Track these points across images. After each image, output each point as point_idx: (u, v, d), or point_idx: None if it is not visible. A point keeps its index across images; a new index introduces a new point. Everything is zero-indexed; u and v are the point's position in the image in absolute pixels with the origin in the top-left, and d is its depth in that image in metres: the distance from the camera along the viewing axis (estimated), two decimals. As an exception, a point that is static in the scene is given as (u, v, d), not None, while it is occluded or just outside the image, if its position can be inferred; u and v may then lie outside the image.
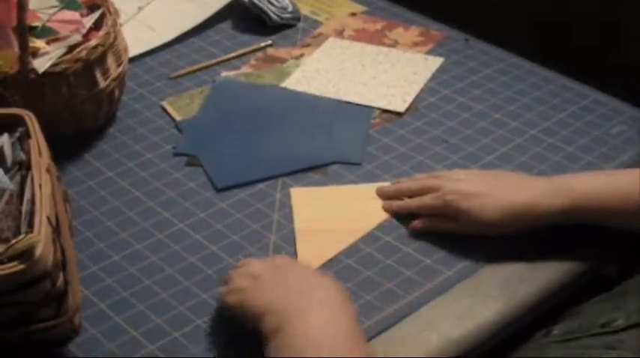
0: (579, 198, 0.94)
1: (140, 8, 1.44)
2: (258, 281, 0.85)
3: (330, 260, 0.96)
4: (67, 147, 1.11)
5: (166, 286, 0.93)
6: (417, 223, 0.99)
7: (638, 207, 0.92)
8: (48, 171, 0.86)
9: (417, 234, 0.99)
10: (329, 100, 1.22)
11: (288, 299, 0.82)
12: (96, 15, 1.14)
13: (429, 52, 1.34)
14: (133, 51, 1.26)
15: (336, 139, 1.14)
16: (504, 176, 1.01)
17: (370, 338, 0.87)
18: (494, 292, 0.93)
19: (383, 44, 1.35)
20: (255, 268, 0.87)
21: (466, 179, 0.99)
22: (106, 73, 1.11)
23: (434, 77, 1.28)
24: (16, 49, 1.03)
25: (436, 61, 1.31)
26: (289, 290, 0.83)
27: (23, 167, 0.88)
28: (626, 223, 0.95)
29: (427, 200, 0.99)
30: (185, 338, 0.87)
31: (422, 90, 1.24)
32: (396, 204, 1.02)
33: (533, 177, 1.02)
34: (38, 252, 0.74)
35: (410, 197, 1.02)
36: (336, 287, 0.84)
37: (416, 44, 1.36)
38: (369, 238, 0.99)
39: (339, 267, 0.95)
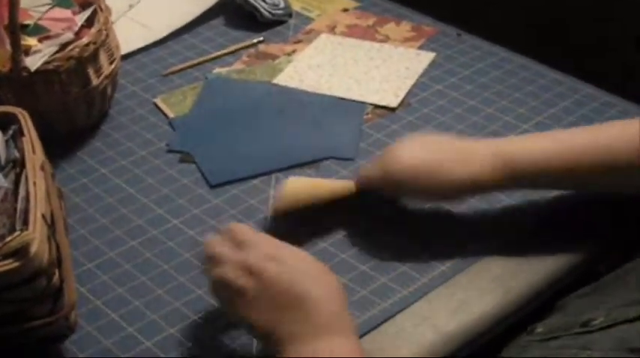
0: (519, 168, 0.93)
1: (131, 5, 1.44)
2: (246, 294, 0.78)
3: (324, 254, 0.96)
4: (60, 144, 1.12)
5: (162, 282, 0.93)
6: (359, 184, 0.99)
7: (577, 169, 0.93)
8: (42, 168, 0.86)
9: (411, 229, 0.99)
10: (321, 96, 1.22)
11: (283, 323, 0.77)
12: (87, 12, 1.14)
13: (421, 47, 1.34)
14: (125, 48, 1.26)
15: (329, 135, 1.14)
16: (446, 149, 0.97)
17: (365, 333, 0.87)
18: (489, 286, 0.93)
19: (375, 40, 1.36)
20: (248, 261, 0.80)
21: (409, 152, 0.96)
22: (98, 70, 1.11)
23: (426, 72, 1.28)
24: (8, 47, 1.03)
25: (428, 56, 1.31)
26: (282, 311, 0.77)
27: (17, 165, 0.87)
28: (576, 186, 0.97)
29: (374, 172, 0.98)
30: (181, 335, 0.87)
31: (414, 86, 1.24)
32: None
33: (472, 148, 0.96)
34: (33, 249, 0.75)
35: None
36: (331, 294, 0.80)
37: (408, 39, 1.36)
38: (364, 230, 0.99)
39: (335, 261, 0.95)
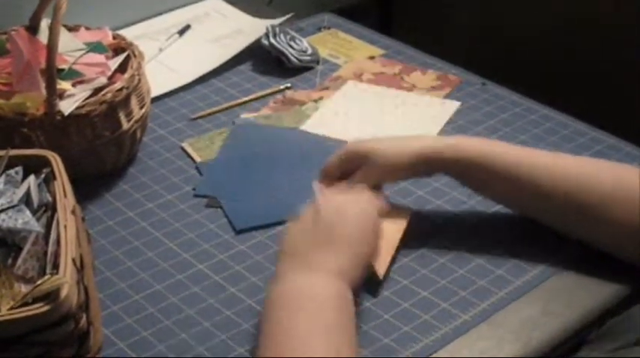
0: (464, 148, 0.99)
1: (161, 49, 1.47)
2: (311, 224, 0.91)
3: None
4: (88, 186, 1.13)
5: (186, 327, 0.94)
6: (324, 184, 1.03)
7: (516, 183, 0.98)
8: (73, 212, 0.87)
9: (433, 278, 1.00)
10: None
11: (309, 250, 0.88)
12: (121, 58, 1.17)
13: (447, 96, 1.35)
14: (154, 92, 1.28)
15: (354, 182, 1.15)
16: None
17: (387, 382, 0.88)
18: (509, 336, 0.93)
19: (401, 88, 1.37)
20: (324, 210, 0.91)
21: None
22: (129, 114, 1.13)
23: (451, 121, 1.29)
24: (43, 91, 1.05)
25: (453, 105, 1.33)
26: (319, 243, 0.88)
27: (49, 208, 0.89)
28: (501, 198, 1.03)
29: (334, 157, 1.05)
30: (204, 380, 0.88)
31: (439, 134, 1.26)
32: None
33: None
34: (64, 293, 0.76)
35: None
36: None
37: (433, 88, 1.37)
38: (386, 282, 1.00)
39: (357, 309, 0.96)
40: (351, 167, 1.03)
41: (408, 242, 1.04)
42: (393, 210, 1.03)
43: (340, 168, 1.04)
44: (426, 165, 1.02)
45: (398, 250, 1.02)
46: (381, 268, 0.97)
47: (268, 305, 0.84)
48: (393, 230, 1.02)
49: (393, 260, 1.00)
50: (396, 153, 1.01)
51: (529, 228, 1.05)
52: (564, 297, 0.98)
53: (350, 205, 0.93)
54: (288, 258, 0.89)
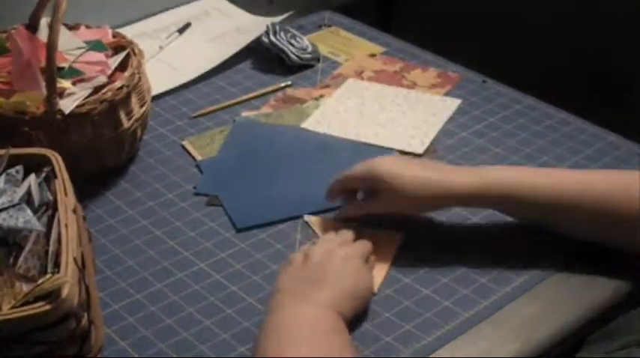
0: (495, 179, 0.98)
1: (161, 47, 1.47)
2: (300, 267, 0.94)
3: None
4: (89, 185, 1.12)
5: (187, 325, 0.94)
6: (341, 211, 1.06)
7: (558, 202, 0.96)
8: (74, 211, 0.87)
9: (435, 277, 1.00)
10: (348, 141, 1.23)
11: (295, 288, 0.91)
12: (121, 56, 1.16)
13: (447, 94, 1.35)
14: (154, 90, 1.28)
15: (355, 180, 1.15)
16: (426, 161, 1.08)
17: (388, 381, 0.88)
18: (511, 335, 0.93)
19: (401, 85, 1.37)
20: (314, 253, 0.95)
21: (390, 157, 1.06)
22: (129, 113, 1.13)
23: (452, 119, 1.29)
24: (43, 90, 1.05)
25: (454, 103, 1.33)
26: (304, 281, 0.91)
27: (50, 207, 0.89)
28: (534, 221, 1.00)
29: (355, 170, 1.03)
30: (205, 378, 0.88)
31: (440, 132, 1.26)
32: (340, 212, 1.07)
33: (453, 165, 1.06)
34: (65, 292, 0.76)
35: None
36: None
37: (434, 85, 1.37)
38: (387, 280, 1.00)
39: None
40: (370, 186, 1.03)
41: (408, 241, 1.04)
42: (385, 230, 1.05)
43: (358, 185, 1.04)
44: (443, 202, 1.02)
45: (390, 267, 1.02)
46: (374, 286, 0.99)
47: (262, 335, 0.85)
48: (385, 249, 1.03)
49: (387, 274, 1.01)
50: (419, 187, 0.99)
51: (530, 228, 1.05)
52: (565, 296, 0.98)
53: (337, 248, 0.97)
54: (281, 294, 0.91)
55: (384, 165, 1.01)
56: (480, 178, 0.98)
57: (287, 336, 0.83)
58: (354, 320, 0.93)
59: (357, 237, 1.03)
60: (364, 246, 1.00)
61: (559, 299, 0.97)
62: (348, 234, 1.02)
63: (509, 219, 1.05)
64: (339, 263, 0.94)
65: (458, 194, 0.98)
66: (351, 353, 0.83)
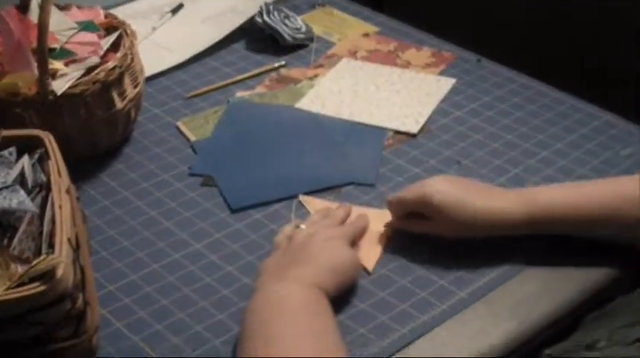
0: (542, 208, 0.97)
1: (154, 28, 1.46)
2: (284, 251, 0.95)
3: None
4: (83, 167, 1.12)
5: (183, 306, 0.94)
6: (393, 222, 1.03)
7: (602, 217, 0.96)
8: (68, 191, 0.87)
9: (431, 256, 1.00)
10: (343, 121, 1.23)
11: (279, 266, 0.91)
12: (113, 37, 1.16)
13: (442, 73, 1.35)
14: (148, 71, 1.27)
15: (350, 160, 1.15)
16: (476, 185, 1.03)
17: (385, 359, 0.88)
18: (505, 313, 0.93)
19: (396, 65, 1.37)
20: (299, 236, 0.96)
21: (443, 180, 1.01)
22: (122, 94, 1.12)
23: (446, 98, 1.29)
24: (35, 71, 1.05)
25: (448, 82, 1.32)
26: (289, 261, 0.91)
27: (43, 188, 0.89)
28: (594, 233, 0.98)
29: (407, 194, 1.01)
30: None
31: (434, 112, 1.25)
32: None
33: (501, 188, 1.04)
34: (60, 273, 0.76)
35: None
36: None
37: (428, 65, 1.37)
38: (384, 259, 1.00)
39: (354, 288, 0.96)
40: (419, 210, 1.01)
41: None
42: (381, 212, 1.05)
43: (411, 209, 1.01)
44: (494, 231, 0.99)
45: (385, 246, 1.02)
46: (370, 264, 0.99)
47: (247, 315, 0.85)
48: (381, 228, 1.03)
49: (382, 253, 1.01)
50: (469, 220, 0.97)
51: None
52: (561, 275, 0.98)
53: (321, 230, 0.97)
54: (265, 275, 0.91)
55: (438, 194, 0.98)
56: (529, 207, 0.97)
57: (267, 316, 0.83)
58: (350, 299, 0.93)
59: (351, 217, 1.03)
60: (351, 227, 1.00)
61: (554, 278, 0.97)
62: (337, 217, 1.02)
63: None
64: (320, 243, 0.94)
65: (509, 226, 0.98)
66: (334, 331, 0.83)
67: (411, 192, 1.01)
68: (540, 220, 0.97)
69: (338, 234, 0.97)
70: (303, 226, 1.00)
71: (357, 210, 1.05)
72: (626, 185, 0.98)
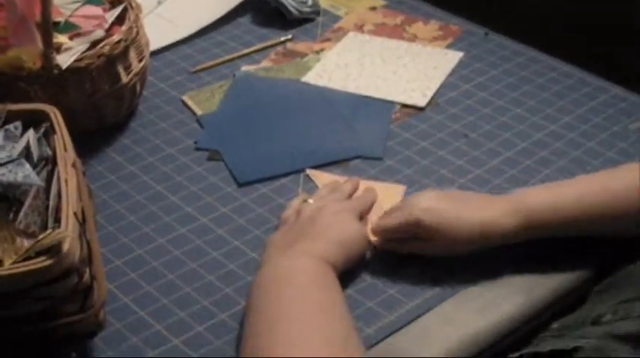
0: (533, 214, 0.92)
1: (159, 2, 1.45)
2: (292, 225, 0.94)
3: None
4: (89, 141, 1.12)
5: (190, 280, 0.94)
6: (379, 243, 0.96)
7: (595, 216, 0.93)
8: (73, 166, 0.86)
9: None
10: (349, 95, 1.22)
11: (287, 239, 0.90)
12: (118, 10, 1.15)
13: (449, 47, 1.34)
14: (153, 45, 1.26)
15: (357, 134, 1.15)
16: (462, 196, 0.98)
17: (391, 333, 0.88)
18: (514, 287, 0.93)
19: (403, 38, 1.36)
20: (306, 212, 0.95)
21: (428, 198, 0.95)
22: (128, 68, 1.12)
23: (454, 72, 1.28)
24: (40, 45, 1.04)
25: (456, 56, 1.31)
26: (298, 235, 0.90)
27: (49, 162, 0.88)
28: (589, 231, 0.96)
29: (391, 221, 0.95)
30: (209, 332, 0.88)
31: (442, 85, 1.24)
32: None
33: (488, 196, 0.98)
34: (66, 247, 0.75)
35: None
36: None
37: (435, 38, 1.36)
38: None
39: (363, 261, 0.95)
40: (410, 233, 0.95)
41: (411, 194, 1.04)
42: (389, 186, 1.04)
43: (396, 236, 0.96)
44: (490, 244, 0.94)
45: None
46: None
47: (254, 289, 0.84)
48: (389, 202, 1.02)
49: None
50: (462, 239, 0.92)
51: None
52: (568, 247, 0.97)
53: (330, 204, 0.96)
54: (272, 249, 0.90)
55: (428, 214, 0.92)
56: (522, 215, 0.92)
57: (275, 289, 0.82)
58: (358, 273, 0.93)
59: (358, 191, 1.02)
60: (359, 201, 0.99)
61: (561, 251, 0.96)
62: (345, 191, 1.01)
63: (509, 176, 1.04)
64: (328, 217, 0.93)
65: (503, 236, 0.93)
66: (341, 305, 0.82)
67: (394, 217, 0.94)
68: (534, 225, 0.92)
69: (346, 207, 0.96)
70: (310, 201, 0.99)
71: (364, 184, 1.04)
72: (613, 178, 0.96)
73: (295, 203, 1.00)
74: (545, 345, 0.84)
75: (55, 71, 1.03)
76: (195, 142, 1.14)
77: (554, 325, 0.90)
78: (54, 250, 0.75)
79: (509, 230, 0.92)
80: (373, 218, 0.99)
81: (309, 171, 1.08)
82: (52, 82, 1.04)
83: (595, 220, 0.93)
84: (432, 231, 0.92)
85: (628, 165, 0.99)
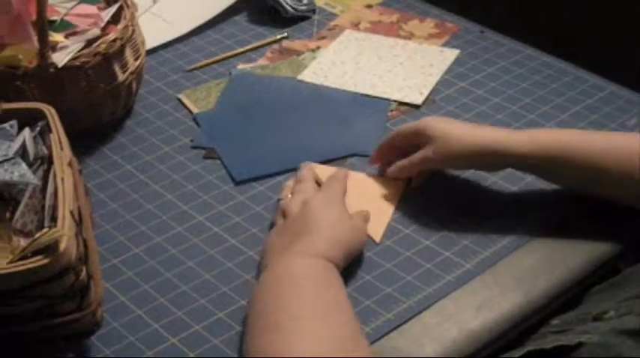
0: (547, 143, 0.96)
1: (155, 1, 1.44)
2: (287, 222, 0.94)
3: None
4: (85, 140, 1.12)
5: (186, 279, 0.93)
6: (390, 169, 1.04)
7: (608, 163, 0.94)
8: (70, 164, 0.86)
9: (436, 227, 0.99)
10: (346, 93, 1.22)
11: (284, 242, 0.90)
12: (113, 8, 1.15)
13: (445, 44, 1.34)
14: (149, 44, 1.26)
15: (354, 132, 1.14)
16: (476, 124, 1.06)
17: (390, 331, 0.88)
18: (512, 284, 0.93)
19: (399, 36, 1.35)
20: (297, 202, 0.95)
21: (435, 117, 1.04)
22: (124, 66, 1.11)
23: (450, 69, 1.28)
24: (35, 44, 1.03)
25: (452, 53, 1.31)
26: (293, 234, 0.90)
27: (45, 161, 0.88)
28: (581, 184, 0.98)
29: (403, 127, 1.03)
30: (206, 331, 0.87)
31: (438, 83, 1.24)
32: (391, 167, 1.04)
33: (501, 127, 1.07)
34: (62, 246, 0.75)
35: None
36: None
37: (431, 36, 1.36)
38: (389, 231, 0.99)
39: (360, 259, 0.95)
40: (412, 144, 1.02)
41: (409, 190, 1.04)
42: (388, 180, 1.04)
43: (406, 141, 1.03)
44: (493, 159, 0.98)
45: (392, 217, 1.01)
46: (377, 235, 0.98)
47: (259, 292, 0.83)
48: (388, 197, 1.03)
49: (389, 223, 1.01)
50: (466, 141, 0.98)
51: (532, 179, 1.04)
52: (567, 246, 0.97)
53: (312, 196, 0.95)
54: (269, 252, 0.90)
55: (435, 122, 1.00)
56: (532, 137, 0.96)
57: (281, 290, 0.81)
58: (355, 271, 0.93)
59: (322, 173, 1.03)
60: (337, 184, 0.99)
61: (559, 250, 0.97)
62: (306, 178, 1.01)
63: (510, 170, 1.04)
64: (318, 210, 0.92)
65: (514, 152, 0.96)
66: (348, 304, 0.82)
67: (407, 125, 1.03)
68: (551, 152, 0.95)
69: (330, 197, 0.96)
70: (289, 195, 0.99)
71: (355, 176, 1.04)
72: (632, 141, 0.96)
73: (280, 203, 0.99)
74: (549, 341, 0.84)
75: (51, 70, 1.03)
76: (192, 140, 1.14)
77: (554, 321, 0.90)
78: (50, 249, 0.75)
79: (519, 144, 0.96)
80: (371, 215, 0.99)
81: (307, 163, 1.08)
82: (48, 81, 1.04)
83: (607, 169, 0.94)
84: (437, 138, 0.98)
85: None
